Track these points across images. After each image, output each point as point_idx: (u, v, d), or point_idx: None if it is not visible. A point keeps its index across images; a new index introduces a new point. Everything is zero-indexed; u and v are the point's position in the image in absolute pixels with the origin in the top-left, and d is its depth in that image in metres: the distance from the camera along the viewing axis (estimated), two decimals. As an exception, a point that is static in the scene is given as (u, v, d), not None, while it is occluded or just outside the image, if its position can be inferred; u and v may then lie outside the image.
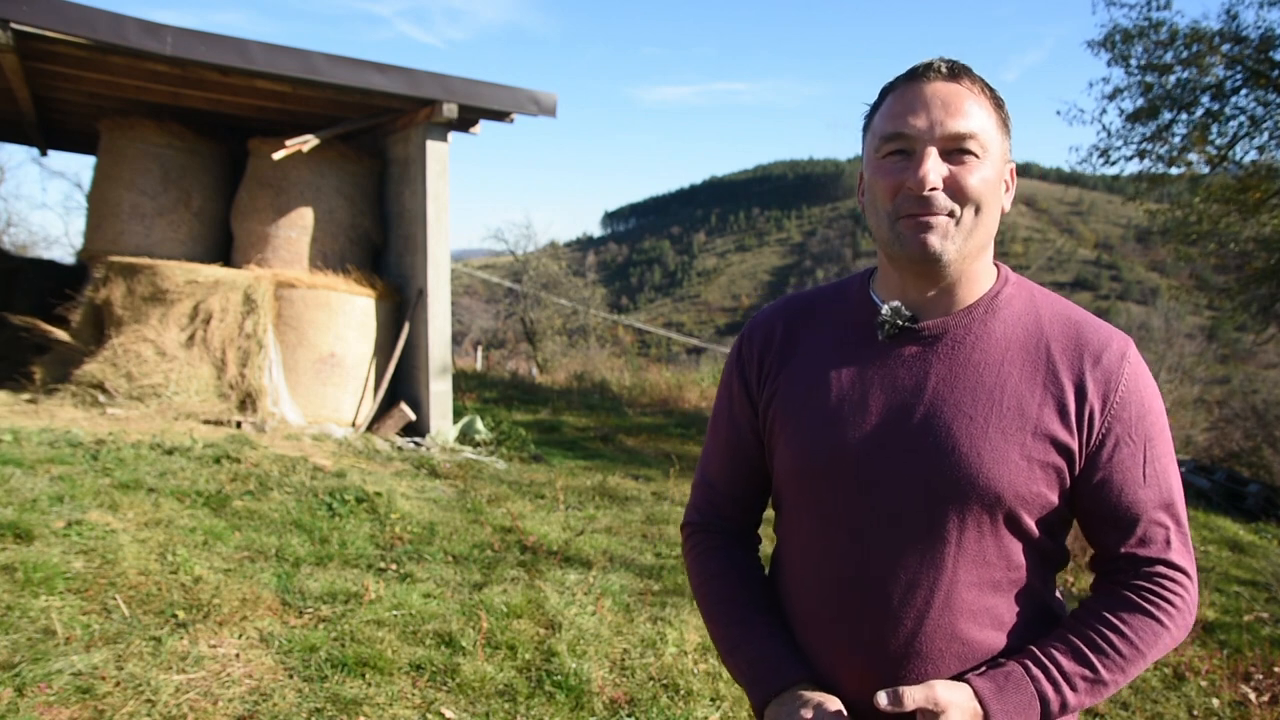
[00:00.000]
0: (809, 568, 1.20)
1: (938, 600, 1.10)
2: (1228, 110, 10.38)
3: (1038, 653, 1.10)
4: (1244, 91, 10.24)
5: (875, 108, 1.18)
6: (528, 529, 4.99)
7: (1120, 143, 10.88)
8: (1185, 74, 10.30)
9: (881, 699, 1.05)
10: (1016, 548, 1.12)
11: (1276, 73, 9.80)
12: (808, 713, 1.10)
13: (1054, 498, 1.11)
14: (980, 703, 1.06)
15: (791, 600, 1.23)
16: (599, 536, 5.07)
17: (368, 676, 3.03)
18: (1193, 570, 1.14)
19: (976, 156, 1.09)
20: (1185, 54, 10.06)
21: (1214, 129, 10.46)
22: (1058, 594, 1.22)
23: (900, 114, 1.11)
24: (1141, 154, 10.80)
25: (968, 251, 1.12)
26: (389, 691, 2.94)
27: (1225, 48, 9.86)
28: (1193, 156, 10.59)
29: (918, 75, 1.12)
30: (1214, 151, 10.39)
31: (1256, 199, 9.95)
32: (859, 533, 1.13)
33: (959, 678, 1.10)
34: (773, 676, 1.17)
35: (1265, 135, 10.31)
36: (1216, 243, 11.38)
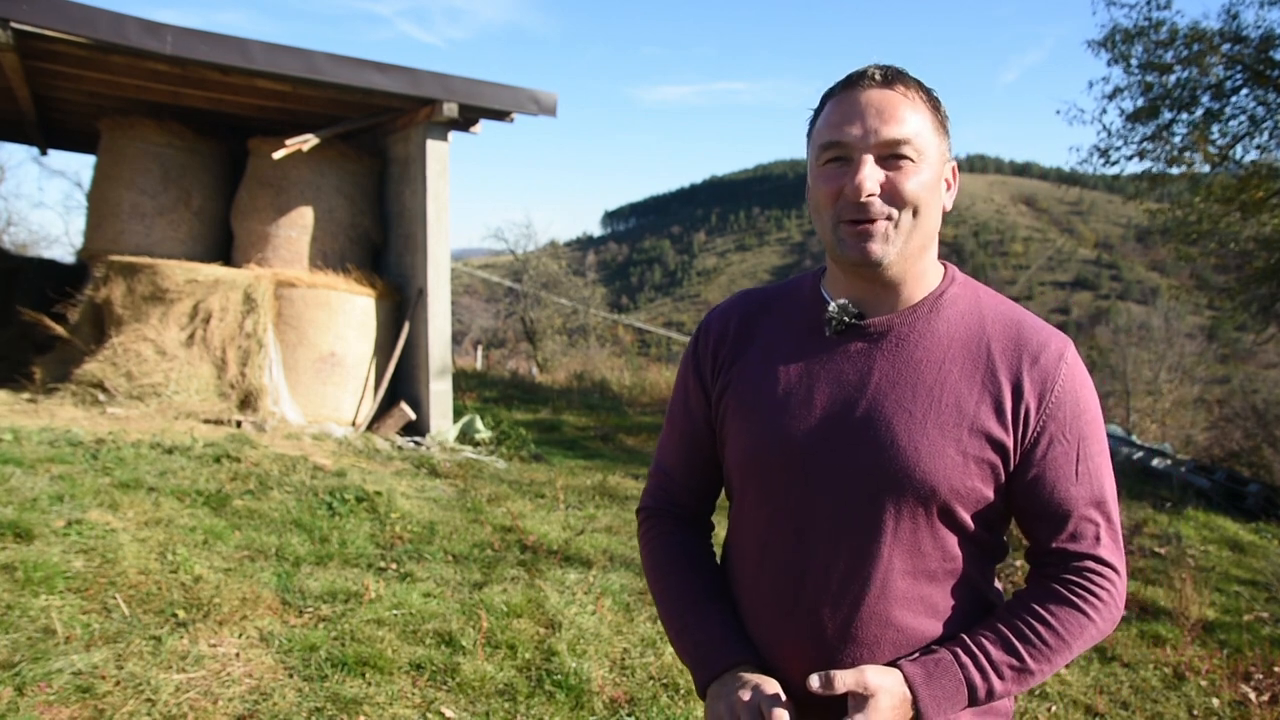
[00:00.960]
0: (755, 555, 1.23)
1: (874, 588, 1.14)
2: (1228, 110, 10.38)
3: (968, 641, 1.14)
4: (1244, 91, 10.24)
5: (816, 114, 1.21)
6: (528, 528, 4.99)
7: (1120, 142, 10.89)
8: (1185, 74, 10.30)
9: (814, 681, 1.08)
10: (952, 540, 1.16)
11: (1277, 72, 9.80)
12: (746, 693, 1.12)
13: (989, 493, 1.15)
14: (910, 687, 1.10)
15: (739, 587, 1.27)
16: (599, 536, 5.07)
17: (368, 676, 3.03)
18: (1121, 566, 1.18)
19: (912, 161, 1.12)
20: (1185, 54, 10.06)
21: (1214, 129, 10.46)
22: (996, 585, 1.26)
23: (837, 123, 1.14)
24: (1142, 154, 10.80)
25: (908, 253, 1.15)
26: (389, 691, 2.94)
27: (1225, 47, 9.86)
28: (1193, 156, 10.58)
29: (853, 83, 1.16)
30: (1214, 151, 10.38)
31: (1257, 198, 9.95)
32: (801, 522, 1.17)
33: (893, 663, 1.14)
34: (715, 658, 1.20)
35: (1265, 135, 10.31)
36: (1217, 242, 11.38)
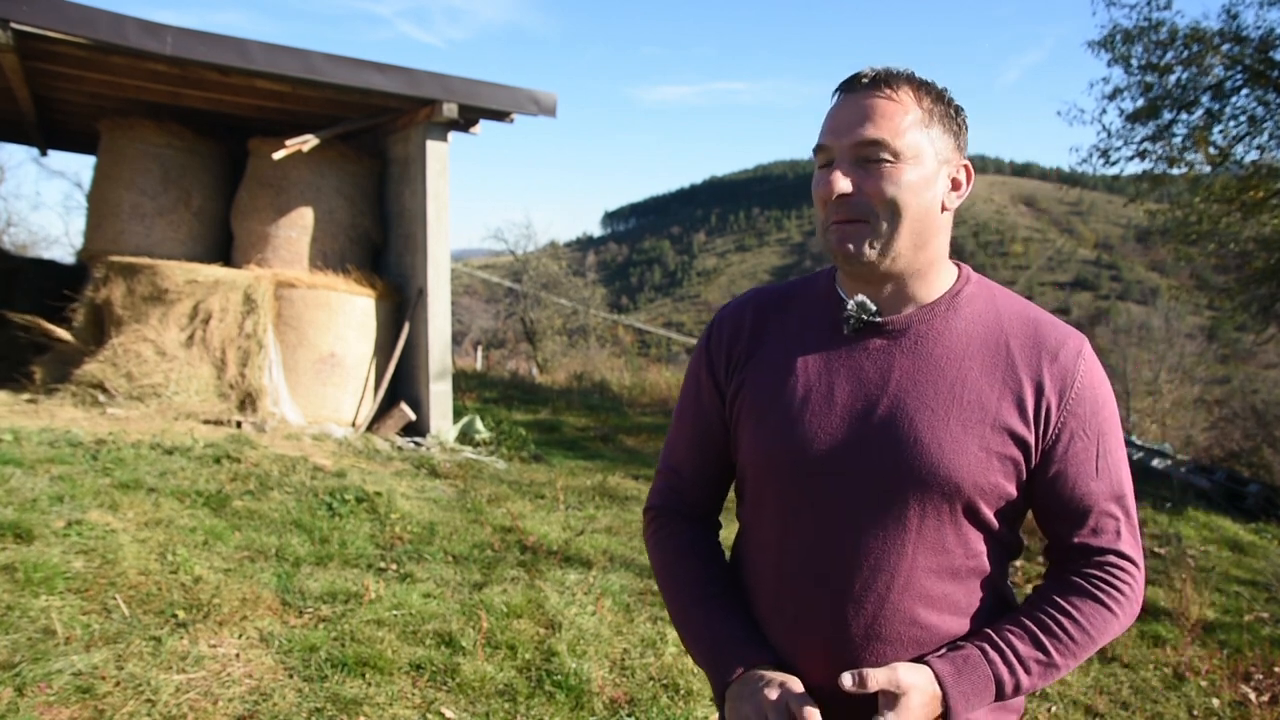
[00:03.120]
0: (771, 554, 1.23)
1: (898, 586, 1.14)
2: (1228, 110, 10.37)
3: (994, 636, 1.15)
4: (1244, 91, 10.23)
5: None
6: (528, 529, 4.99)
7: (1120, 143, 10.87)
8: (1185, 74, 10.29)
9: (846, 680, 1.08)
10: (975, 536, 1.17)
11: (1277, 73, 9.80)
12: (772, 692, 1.12)
13: (1011, 489, 1.16)
14: (939, 684, 1.10)
15: (754, 587, 1.26)
16: (599, 536, 5.06)
17: (368, 676, 3.03)
18: (1140, 560, 1.20)
19: (889, 161, 1.13)
20: (1185, 54, 10.06)
21: (1214, 129, 10.46)
22: (1009, 582, 1.27)
23: (825, 127, 1.18)
24: (1142, 154, 10.78)
25: (895, 253, 1.15)
26: (389, 691, 2.94)
27: (1225, 48, 9.86)
28: (1193, 156, 10.58)
29: (843, 88, 1.18)
30: (1214, 151, 10.38)
31: (1257, 199, 9.95)
32: (822, 521, 1.17)
33: (918, 660, 1.14)
34: (734, 658, 1.20)
35: (1265, 135, 10.30)
36: (1216, 243, 11.37)
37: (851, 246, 1.14)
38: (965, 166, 1.21)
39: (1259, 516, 8.41)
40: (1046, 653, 1.14)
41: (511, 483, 6.36)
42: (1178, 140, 10.59)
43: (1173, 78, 10.38)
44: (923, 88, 1.17)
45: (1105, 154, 10.99)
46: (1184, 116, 10.52)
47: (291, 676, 2.98)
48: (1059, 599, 1.17)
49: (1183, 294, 16.60)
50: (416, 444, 7.45)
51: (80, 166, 72.75)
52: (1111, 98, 10.83)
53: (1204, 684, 3.76)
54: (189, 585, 3.54)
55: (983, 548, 1.17)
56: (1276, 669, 3.87)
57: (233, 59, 6.64)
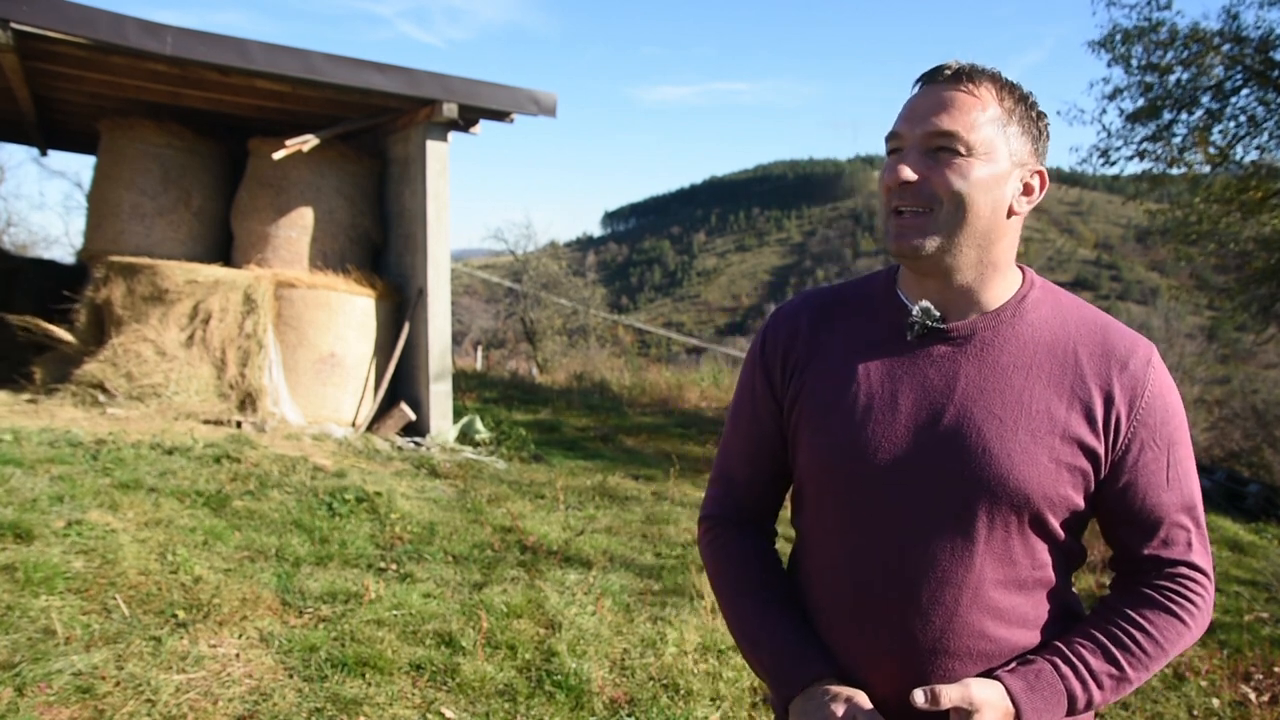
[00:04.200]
0: (834, 564, 1.20)
1: (966, 598, 1.11)
2: (1228, 110, 10.37)
3: (1066, 650, 1.13)
4: (1244, 91, 10.23)
5: None
6: (528, 529, 4.99)
7: (1120, 143, 10.87)
8: (1185, 74, 10.29)
9: (918, 697, 1.06)
10: (1042, 548, 1.15)
11: (1277, 73, 9.79)
12: (839, 708, 1.10)
13: (1079, 500, 1.13)
14: (1012, 700, 1.08)
15: (814, 596, 1.24)
16: (599, 536, 5.06)
17: (368, 676, 3.03)
18: (1211, 571, 1.18)
19: (960, 154, 1.10)
20: (1185, 54, 10.05)
21: (1214, 129, 10.45)
22: (1073, 590, 1.24)
23: (900, 116, 1.16)
24: (1142, 154, 10.78)
25: (955, 248, 1.13)
26: (389, 691, 2.94)
27: (1225, 48, 9.85)
28: (1193, 156, 10.58)
29: (924, 79, 1.17)
30: (1214, 151, 10.38)
31: (1257, 199, 9.95)
32: (887, 531, 1.14)
33: (988, 674, 1.12)
34: (798, 671, 1.17)
35: (1265, 135, 10.30)
36: (1216, 243, 11.37)
37: (911, 238, 1.12)
38: (1040, 173, 1.18)
39: (1259, 516, 8.42)
40: (1119, 666, 1.11)
41: (511, 483, 6.36)
42: (1178, 140, 10.59)
43: (1173, 78, 10.38)
44: (1006, 87, 1.15)
45: (1105, 154, 10.99)
46: (1184, 116, 10.52)
47: (291, 676, 2.98)
48: (1131, 611, 1.14)
49: (1183, 294, 16.60)
50: (416, 444, 7.45)
51: (80, 166, 72.74)
52: (1111, 98, 10.84)
53: (1204, 684, 3.76)
54: (189, 585, 3.54)
55: (1048, 558, 1.15)
56: (1276, 669, 3.87)
57: (233, 59, 6.64)
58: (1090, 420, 1.12)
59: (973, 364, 1.15)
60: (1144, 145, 10.73)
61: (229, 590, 3.52)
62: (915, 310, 1.18)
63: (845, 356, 1.22)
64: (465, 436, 7.99)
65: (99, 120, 8.26)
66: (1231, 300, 11.89)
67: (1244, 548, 6.33)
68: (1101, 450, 1.12)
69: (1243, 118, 10.36)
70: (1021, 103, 1.16)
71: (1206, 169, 10.76)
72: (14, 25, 5.88)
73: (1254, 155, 10.41)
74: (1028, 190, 1.17)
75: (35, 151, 12.40)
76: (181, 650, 3.02)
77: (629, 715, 3.01)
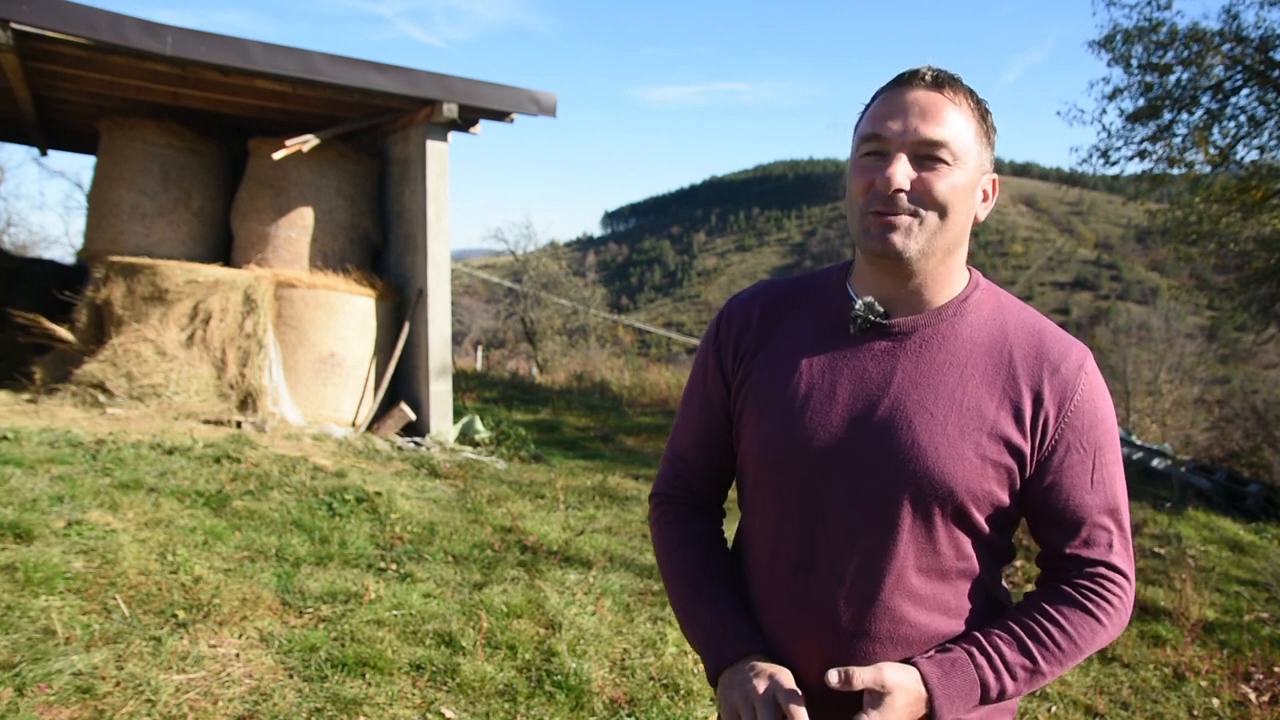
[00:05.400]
0: (768, 548, 1.24)
1: (888, 585, 1.15)
2: (1228, 110, 10.37)
3: (983, 641, 1.16)
4: (1244, 91, 10.23)
5: (865, 110, 1.23)
6: (528, 529, 4.99)
7: (1121, 143, 10.87)
8: (1185, 74, 10.29)
9: (832, 677, 1.09)
10: (966, 540, 1.18)
11: (1277, 73, 9.79)
12: (761, 684, 1.13)
13: (1004, 496, 1.17)
14: (925, 685, 1.12)
15: (751, 578, 1.28)
16: (599, 536, 5.06)
17: (368, 676, 3.03)
18: (1131, 573, 1.21)
19: (947, 164, 1.13)
20: (1185, 54, 10.06)
21: (1215, 129, 10.45)
22: (1003, 585, 1.28)
23: (881, 117, 1.16)
24: (1142, 154, 10.79)
25: (931, 252, 1.16)
26: (389, 691, 2.94)
27: (1225, 48, 9.86)
28: (1193, 156, 10.58)
29: (903, 81, 1.17)
30: (1214, 151, 10.38)
31: (1257, 199, 9.95)
32: (817, 517, 1.18)
33: (907, 661, 1.15)
34: (727, 646, 1.22)
35: (1266, 135, 10.30)
36: (1216, 243, 11.37)
37: (895, 239, 1.14)
38: (994, 180, 1.23)
39: (1259, 516, 8.42)
40: (1033, 660, 1.15)
41: (511, 483, 6.36)
42: (1178, 140, 10.59)
43: (1173, 78, 10.38)
44: (973, 95, 1.18)
45: (1105, 154, 10.99)
46: (1184, 116, 10.52)
47: (291, 676, 2.98)
48: (1049, 607, 1.18)
49: (1183, 294, 16.61)
50: (416, 444, 7.45)
51: (80, 166, 72.76)
52: (1112, 98, 10.84)
53: (1204, 684, 3.76)
54: (189, 585, 3.54)
55: (973, 551, 1.19)
56: (1276, 669, 3.87)
57: (233, 59, 6.64)
58: (1019, 420, 1.15)
59: (910, 360, 1.19)
60: (1144, 145, 10.74)
61: (229, 590, 3.52)
62: (859, 305, 1.21)
63: (791, 346, 1.26)
64: (465, 436, 7.99)
65: (99, 120, 8.27)
66: (1231, 300, 11.89)
67: (1244, 548, 6.33)
68: (1028, 449, 1.15)
69: (1243, 118, 10.36)
70: (985, 113, 1.19)
71: (1207, 169, 10.76)
72: (14, 25, 5.88)
73: (1254, 155, 10.43)
74: (984, 196, 1.22)
75: (35, 151, 12.44)
76: (181, 650, 3.02)
77: (629, 715, 3.01)
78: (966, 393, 1.16)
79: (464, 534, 4.84)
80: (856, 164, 1.19)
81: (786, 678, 1.14)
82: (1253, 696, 3.61)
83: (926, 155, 1.13)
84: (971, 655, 1.14)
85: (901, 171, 1.12)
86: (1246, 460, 14.55)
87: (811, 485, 1.18)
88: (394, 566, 4.19)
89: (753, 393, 1.27)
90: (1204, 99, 10.34)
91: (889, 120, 1.15)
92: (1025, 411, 1.15)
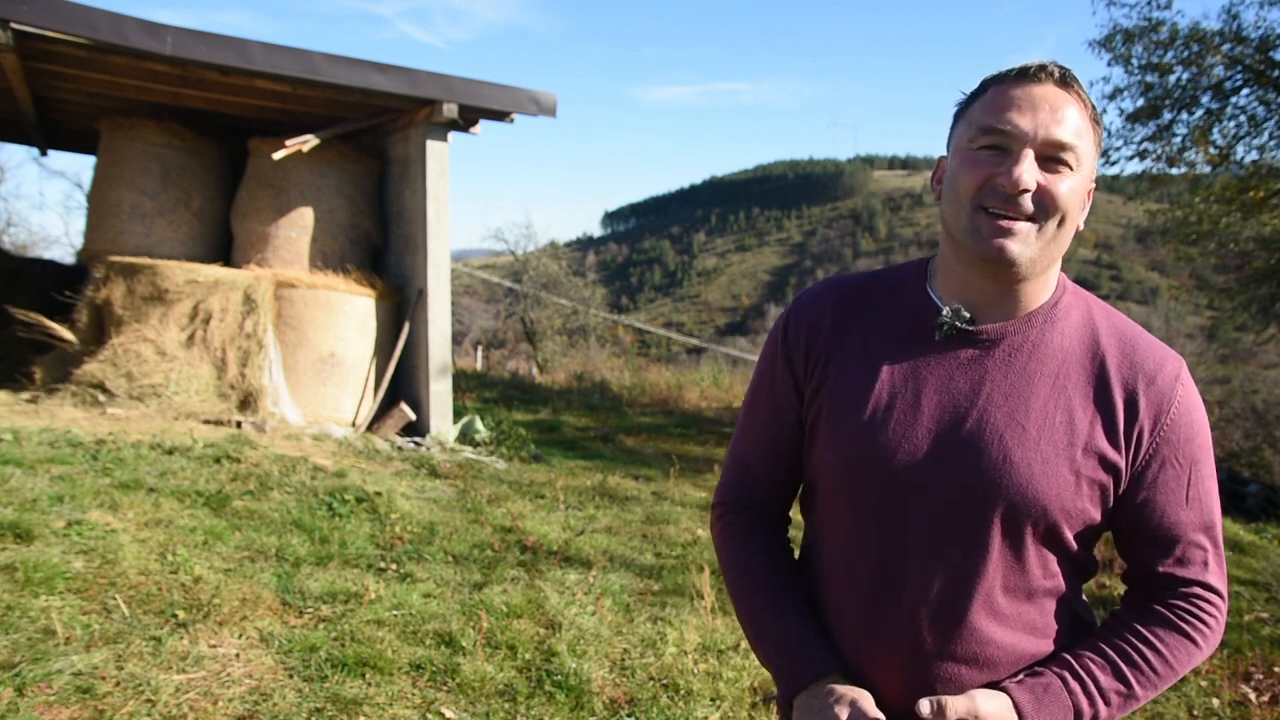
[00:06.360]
0: (845, 562, 1.19)
1: (975, 604, 1.10)
2: (1228, 110, 10.38)
3: (1075, 664, 1.11)
4: (1244, 91, 10.23)
5: (974, 96, 1.15)
6: (528, 529, 4.99)
7: (1121, 143, 10.87)
8: (1185, 74, 10.30)
9: (924, 708, 1.05)
10: (1053, 558, 1.13)
11: (1277, 73, 9.80)
12: (843, 711, 1.09)
13: (1096, 514, 1.12)
14: (1018, 712, 1.07)
15: (824, 592, 1.22)
16: (599, 536, 5.06)
17: (368, 676, 3.02)
18: (1225, 591, 1.16)
19: (1070, 168, 1.08)
20: (1186, 54, 10.06)
21: (1215, 129, 10.45)
22: (1084, 599, 1.23)
23: (1004, 109, 1.09)
24: (1142, 154, 10.79)
25: (1041, 260, 1.10)
26: (389, 691, 2.94)
27: (1225, 48, 9.86)
28: (1193, 156, 10.58)
29: (1029, 75, 1.10)
30: (1214, 151, 10.38)
31: (1257, 199, 9.95)
32: (900, 533, 1.13)
33: (995, 684, 1.11)
34: (804, 665, 1.16)
35: (1266, 135, 10.30)
36: (1216, 243, 11.37)
37: (1011, 245, 1.07)
38: (1091, 187, 1.17)
39: (1259, 516, 8.42)
40: (1128, 684, 1.10)
41: (511, 483, 6.36)
42: (1178, 140, 10.59)
43: (1173, 78, 10.38)
44: (1088, 97, 1.12)
45: (1105, 154, 10.98)
46: (1184, 116, 10.52)
47: (291, 676, 2.98)
48: (1143, 629, 1.13)
49: (1183, 294, 16.60)
50: (416, 444, 7.45)
51: (80, 166, 72.72)
52: (1112, 97, 10.84)
53: (1204, 684, 3.76)
54: (189, 585, 3.54)
55: (1059, 568, 1.14)
56: (1276, 669, 3.87)
57: (233, 59, 6.64)
58: (1112, 433, 1.10)
59: (999, 370, 1.13)
60: (1144, 145, 10.74)
61: (229, 590, 3.52)
62: (945, 311, 1.15)
63: (869, 352, 1.19)
64: (465, 436, 7.99)
65: (99, 120, 8.26)
66: (1231, 300, 11.89)
67: (1244, 548, 6.33)
68: (1122, 464, 1.10)
69: (1243, 118, 10.36)
70: (1098, 115, 1.13)
71: (1207, 169, 10.77)
72: (14, 25, 5.88)
73: (1254, 155, 10.43)
74: (1084, 203, 1.16)
75: (35, 151, 12.43)
76: (181, 650, 3.02)
77: (629, 715, 3.01)
78: (1059, 405, 1.10)
79: (464, 534, 4.84)
80: (967, 155, 1.10)
81: (869, 703, 1.10)
82: (1253, 696, 3.61)
83: (1052, 157, 1.07)
84: (1065, 680, 1.09)
85: (1029, 170, 1.06)
86: (1246, 460, 14.55)
87: (894, 501, 1.13)
88: (394, 566, 4.19)
89: (828, 401, 1.20)
90: (1204, 99, 10.35)
91: (1014, 113, 1.07)
92: (1119, 424, 1.10)
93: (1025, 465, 1.08)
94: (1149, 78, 10.45)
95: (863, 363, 1.19)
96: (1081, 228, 1.16)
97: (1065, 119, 1.07)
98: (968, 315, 1.15)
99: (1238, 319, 12.54)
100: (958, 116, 1.17)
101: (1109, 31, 10.47)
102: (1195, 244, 11.42)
